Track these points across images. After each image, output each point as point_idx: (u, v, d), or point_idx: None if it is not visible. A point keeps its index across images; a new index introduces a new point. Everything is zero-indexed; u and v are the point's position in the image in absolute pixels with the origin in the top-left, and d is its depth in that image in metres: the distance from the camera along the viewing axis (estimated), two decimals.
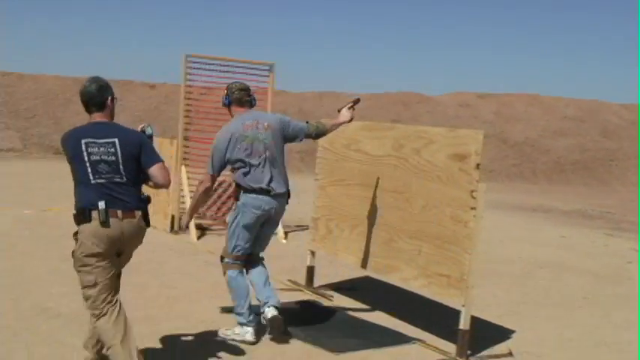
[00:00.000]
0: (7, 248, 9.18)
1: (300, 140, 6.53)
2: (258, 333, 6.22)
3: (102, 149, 4.78)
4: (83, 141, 4.78)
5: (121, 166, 4.80)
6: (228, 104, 6.45)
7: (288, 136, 6.38)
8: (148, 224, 5.06)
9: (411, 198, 6.47)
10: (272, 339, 6.20)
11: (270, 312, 6.25)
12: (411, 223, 6.45)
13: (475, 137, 5.87)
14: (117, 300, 4.86)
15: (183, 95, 11.12)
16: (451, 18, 71.40)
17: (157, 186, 5.05)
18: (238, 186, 6.27)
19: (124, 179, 4.81)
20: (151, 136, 5.13)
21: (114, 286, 4.88)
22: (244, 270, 6.41)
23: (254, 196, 6.15)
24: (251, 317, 6.23)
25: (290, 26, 70.71)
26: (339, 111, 6.77)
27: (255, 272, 6.46)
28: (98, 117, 4.90)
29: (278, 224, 6.88)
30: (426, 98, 32.75)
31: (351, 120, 6.67)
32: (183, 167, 11.19)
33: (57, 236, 10.10)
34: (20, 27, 60.29)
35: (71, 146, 4.82)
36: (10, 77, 28.00)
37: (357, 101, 6.78)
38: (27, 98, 27.77)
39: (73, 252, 4.82)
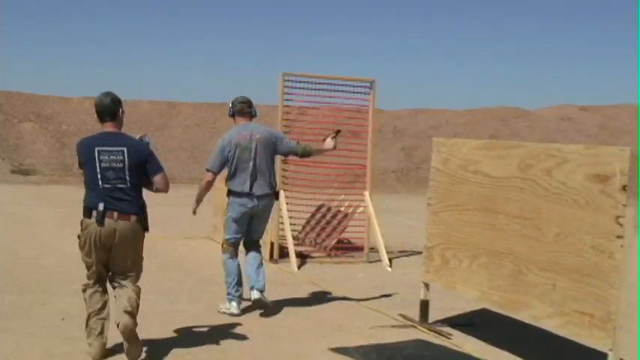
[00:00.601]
0: None
1: (287, 156, 8.45)
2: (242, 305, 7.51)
3: (112, 157, 5.69)
4: (97, 149, 5.69)
5: (126, 172, 5.71)
6: (232, 115, 7.67)
7: (279, 150, 7.70)
8: (145, 229, 5.93)
9: (542, 225, 5.73)
10: (261, 314, 7.46)
11: (254, 294, 7.48)
12: (543, 254, 5.71)
13: (620, 155, 5.11)
14: (103, 289, 5.95)
15: (280, 116, 10.58)
16: (547, 29, 69.37)
17: (157, 191, 6.04)
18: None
19: (128, 185, 5.71)
20: (148, 145, 5.96)
21: (104, 275, 5.92)
22: (236, 253, 7.67)
23: (237, 197, 7.47)
24: (237, 293, 7.51)
25: (383, 43, 69.97)
26: (323, 140, 7.80)
27: (251, 257, 7.74)
28: (110, 126, 5.83)
29: (267, 219, 7.94)
30: (525, 112, 31.60)
31: (334, 148, 7.75)
32: (282, 192, 10.63)
33: (153, 268, 9.66)
34: (118, 54, 61.44)
35: (85, 153, 5.74)
36: None
37: (338, 132, 7.82)
38: (123, 124, 27.93)
39: (78, 236, 5.80)
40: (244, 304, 7.59)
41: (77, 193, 9.47)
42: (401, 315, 7.59)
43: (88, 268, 5.87)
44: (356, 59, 63.63)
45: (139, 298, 5.91)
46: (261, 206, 7.54)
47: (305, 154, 7.72)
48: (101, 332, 5.82)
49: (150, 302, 7.73)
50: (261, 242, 7.96)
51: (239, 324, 7.03)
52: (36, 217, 14.78)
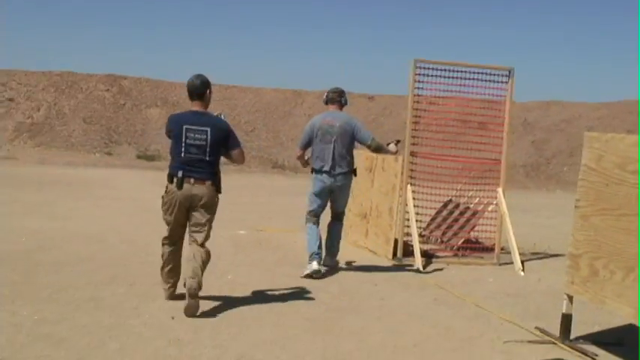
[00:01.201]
0: (219, 275, 8.34)
1: (362, 145, 8.92)
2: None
3: (196, 135, 6.66)
4: (185, 127, 6.67)
5: (207, 149, 6.69)
6: (325, 102, 8.97)
7: (356, 138, 8.75)
8: (218, 190, 6.81)
9: None
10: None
11: (314, 265, 8.52)
12: None
13: None
14: (177, 246, 7.02)
15: (410, 105, 9.91)
16: None
17: (234, 162, 7.11)
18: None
19: (208, 158, 6.69)
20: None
21: (180, 234, 6.95)
22: (317, 222, 8.81)
23: (319, 174, 8.69)
24: (317, 253, 8.55)
25: (511, 34, 68.01)
26: (387, 144, 9.22)
27: (331, 225, 9.02)
28: (197, 105, 6.80)
29: (346, 194, 9.00)
30: None
31: (395, 153, 9.40)
32: (409, 187, 9.98)
33: (271, 263, 9.21)
34: (245, 41, 62.02)
35: (175, 129, 6.76)
36: (231, 90, 28.18)
37: (398, 141, 9.34)
38: (248, 112, 27.83)
39: (162, 197, 6.85)
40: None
41: None
42: (538, 328, 6.83)
43: (168, 225, 6.89)
44: (484, 49, 62.08)
45: (207, 258, 6.79)
46: (339, 182, 8.70)
47: (376, 149, 9.02)
48: (173, 284, 7.06)
49: (264, 298, 7.27)
50: (345, 212, 9.34)
51: (359, 329, 6.44)
52: (157, 203, 14.59)
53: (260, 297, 7.41)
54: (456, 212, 11.26)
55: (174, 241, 6.97)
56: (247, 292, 7.56)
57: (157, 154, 24.75)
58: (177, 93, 28.65)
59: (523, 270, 9.64)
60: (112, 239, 10.23)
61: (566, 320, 6.50)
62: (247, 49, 63.69)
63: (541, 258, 10.89)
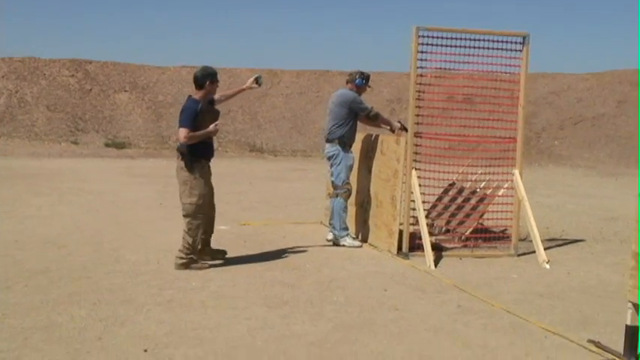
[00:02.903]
0: (202, 283, 7.07)
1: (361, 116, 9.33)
2: None
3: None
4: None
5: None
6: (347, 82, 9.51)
7: (353, 109, 9.20)
8: (186, 166, 7.67)
9: None
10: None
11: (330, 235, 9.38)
12: None
13: None
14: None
15: (413, 80, 8.63)
16: None
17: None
18: None
19: None
20: (260, 84, 8.44)
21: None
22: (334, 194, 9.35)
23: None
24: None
25: (495, 5, 66.74)
26: (399, 122, 9.61)
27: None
28: (197, 94, 7.79)
29: (333, 163, 9.35)
30: None
31: (395, 131, 9.49)
32: (413, 172, 8.73)
33: (260, 266, 7.93)
34: (216, 22, 60.41)
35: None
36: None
37: (405, 129, 9.15)
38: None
39: None
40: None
41: (173, 167, 7.95)
42: (592, 342, 5.61)
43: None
44: (464, 21, 60.81)
45: (186, 233, 7.71)
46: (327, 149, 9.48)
47: (372, 118, 9.43)
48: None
49: (257, 319, 5.99)
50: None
51: (378, 355, 5.19)
52: (127, 197, 13.34)
53: (251, 314, 6.14)
54: (459, 200, 10.04)
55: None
56: (235, 307, 6.28)
57: (127, 141, 23.36)
58: (147, 76, 27.23)
59: (548, 262, 8.44)
60: (75, 244, 8.89)
61: (632, 334, 5.28)
62: (220, 29, 61.98)
63: (560, 245, 9.75)
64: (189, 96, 7.89)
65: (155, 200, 12.85)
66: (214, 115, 7.93)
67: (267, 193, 14.88)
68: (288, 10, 63.77)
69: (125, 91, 26.11)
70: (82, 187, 14.82)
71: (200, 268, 7.66)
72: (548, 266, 8.37)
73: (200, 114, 7.66)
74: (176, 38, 59.78)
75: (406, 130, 9.26)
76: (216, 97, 8.14)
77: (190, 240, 7.66)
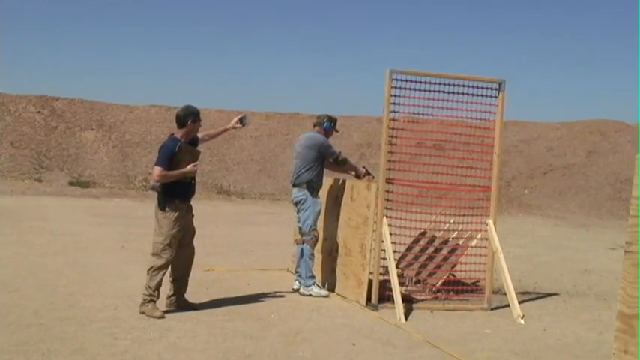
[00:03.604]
0: (160, 333, 6.68)
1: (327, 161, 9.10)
2: None
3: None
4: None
5: None
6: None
7: (322, 153, 8.94)
8: (159, 206, 7.51)
9: None
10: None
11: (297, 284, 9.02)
12: None
13: None
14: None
15: (385, 124, 8.36)
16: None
17: None
18: None
19: None
20: (245, 124, 8.39)
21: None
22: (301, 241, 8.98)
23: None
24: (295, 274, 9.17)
25: (465, 52, 67.24)
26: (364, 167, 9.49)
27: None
28: (178, 133, 7.63)
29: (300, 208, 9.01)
30: (627, 126, 28.87)
31: (360, 178, 9.20)
32: (385, 220, 8.42)
33: (222, 316, 7.52)
34: (187, 62, 60.36)
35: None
36: (173, 112, 26.36)
37: (369, 174, 9.22)
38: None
39: None
40: None
41: (138, 208, 7.53)
42: None
43: None
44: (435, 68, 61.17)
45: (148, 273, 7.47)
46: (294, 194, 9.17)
47: (340, 164, 9.22)
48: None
49: None
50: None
51: None
52: (89, 238, 12.87)
53: None
54: (430, 249, 9.73)
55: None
56: None
57: (92, 180, 22.88)
58: (115, 114, 26.83)
59: (523, 317, 8.14)
60: (28, 287, 8.44)
61: None
62: (190, 70, 61.80)
63: (534, 299, 9.45)
64: (171, 134, 7.74)
65: (117, 242, 12.41)
66: (194, 155, 7.68)
67: (233, 236, 14.50)
68: (257, 52, 63.80)
69: (92, 129, 25.68)
70: (43, 226, 14.33)
71: (151, 315, 7.27)
72: (523, 321, 8.06)
73: (178, 153, 7.45)
74: (145, 77, 59.51)
75: (372, 176, 9.18)
76: (200, 136, 7.90)
77: (148, 278, 7.40)
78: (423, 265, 9.56)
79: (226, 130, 8.54)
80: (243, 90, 58.13)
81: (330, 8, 65.42)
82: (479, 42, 66.59)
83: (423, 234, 9.99)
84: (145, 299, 7.39)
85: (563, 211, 23.57)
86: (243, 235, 14.77)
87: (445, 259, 9.40)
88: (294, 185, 9.01)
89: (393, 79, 8.37)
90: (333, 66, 65.41)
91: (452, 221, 9.67)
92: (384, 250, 8.43)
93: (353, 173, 9.40)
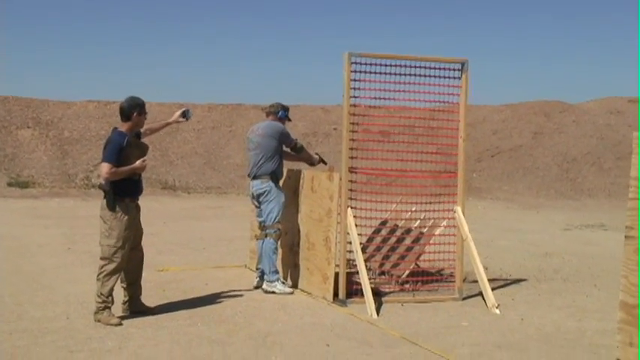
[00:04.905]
0: (118, 343, 6.19)
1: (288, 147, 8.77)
2: None
3: None
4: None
5: None
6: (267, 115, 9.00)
7: (281, 142, 8.61)
8: (108, 206, 6.97)
9: None
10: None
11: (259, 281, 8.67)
12: None
13: None
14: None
15: (346, 110, 7.96)
16: (588, 16, 64.88)
17: None
18: None
19: None
20: (188, 118, 7.96)
21: None
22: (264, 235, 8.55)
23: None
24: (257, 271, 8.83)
25: (405, 31, 67.08)
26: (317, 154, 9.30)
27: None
28: (123, 126, 7.18)
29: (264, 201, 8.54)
30: (570, 106, 28.98)
31: (314, 165, 9.23)
32: (349, 210, 8.04)
33: (183, 320, 7.05)
34: (124, 56, 59.22)
35: None
36: (112, 107, 25.65)
37: (323, 162, 9.15)
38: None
39: None
40: None
41: (81, 207, 7.00)
42: None
43: None
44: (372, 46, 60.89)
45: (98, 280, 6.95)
46: (254, 187, 8.75)
47: (297, 151, 8.92)
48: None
49: None
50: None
51: None
52: (33, 241, 12.21)
53: None
54: (392, 240, 9.36)
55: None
56: None
57: (31, 180, 22.03)
58: (52, 111, 25.91)
59: (498, 307, 7.83)
60: None
61: None
62: (128, 63, 60.52)
63: (503, 286, 9.18)
64: (115, 128, 7.24)
65: (62, 244, 11.79)
66: (142, 150, 7.22)
67: (183, 233, 13.98)
68: (196, 43, 62.79)
69: (28, 127, 24.72)
70: None
71: (107, 323, 6.78)
72: (498, 311, 7.76)
73: (126, 148, 6.98)
74: (82, 72, 58.09)
75: (325, 163, 9.01)
76: (142, 130, 7.42)
77: (100, 285, 6.88)
78: (386, 257, 9.20)
79: (169, 124, 8.17)
80: (183, 82, 57.08)
81: None
82: (416, 23, 66.60)
83: (384, 223, 9.63)
84: (98, 307, 6.87)
85: (512, 193, 23.51)
86: (193, 232, 14.26)
87: (409, 249, 9.06)
88: (255, 177, 8.53)
89: (352, 63, 7.97)
90: (276, 55, 64.68)
91: (413, 209, 9.34)
92: (350, 243, 8.05)
93: (309, 162, 9.14)
